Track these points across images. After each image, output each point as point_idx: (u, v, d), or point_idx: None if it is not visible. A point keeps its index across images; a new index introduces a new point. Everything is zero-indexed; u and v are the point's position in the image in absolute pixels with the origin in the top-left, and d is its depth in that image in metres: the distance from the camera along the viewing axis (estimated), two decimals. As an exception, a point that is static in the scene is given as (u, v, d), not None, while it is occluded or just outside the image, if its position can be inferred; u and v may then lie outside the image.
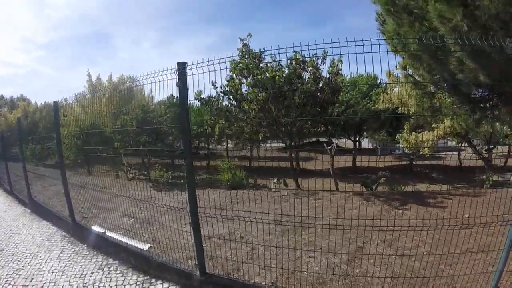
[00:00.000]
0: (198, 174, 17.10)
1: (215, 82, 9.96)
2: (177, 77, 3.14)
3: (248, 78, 9.93)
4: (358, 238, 4.45)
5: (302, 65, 9.98)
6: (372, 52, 2.54)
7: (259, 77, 9.50)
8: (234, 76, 10.15)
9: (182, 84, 3.19)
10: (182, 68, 3.14)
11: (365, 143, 31.25)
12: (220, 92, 10.71)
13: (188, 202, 3.50)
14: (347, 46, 2.58)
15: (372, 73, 22.40)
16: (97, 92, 16.42)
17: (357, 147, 25.67)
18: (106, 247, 4.99)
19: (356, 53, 2.57)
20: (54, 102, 5.64)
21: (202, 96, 10.81)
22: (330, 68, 10.04)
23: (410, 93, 11.21)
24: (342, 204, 7.28)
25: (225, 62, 3.02)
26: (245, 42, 10.09)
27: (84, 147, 13.32)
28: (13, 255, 4.90)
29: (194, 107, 18.05)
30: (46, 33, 79.15)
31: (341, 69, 10.02)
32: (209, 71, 3.05)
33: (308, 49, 2.84)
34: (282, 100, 9.73)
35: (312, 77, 9.84)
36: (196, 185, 3.49)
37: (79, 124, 12.32)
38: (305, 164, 24.96)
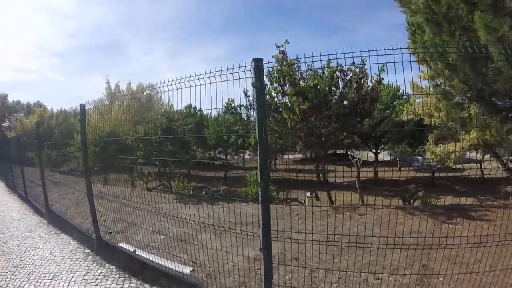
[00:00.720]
0: (215, 185, 16.33)
1: (247, 90, 9.27)
2: (253, 75, 2.55)
3: (286, 87, 9.20)
4: (420, 255, 4.06)
5: (340, 73, 9.29)
6: (394, 62, 2.46)
7: (301, 85, 8.77)
8: (269, 84, 9.44)
9: (260, 83, 2.53)
10: (258, 64, 2.52)
11: (381, 155, 30.22)
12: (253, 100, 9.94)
13: (261, 224, 2.70)
14: (377, 55, 2.44)
15: (395, 83, 21.64)
16: (117, 100, 15.95)
17: (377, 159, 24.67)
18: (138, 269, 4.17)
19: (378, 63, 2.45)
20: (80, 104, 4.94)
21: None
22: (375, 76, 9.31)
23: (436, 103, 11.05)
24: (388, 220, 6.44)
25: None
26: (281, 48, 9.39)
27: (103, 155, 12.69)
28: (29, 274, 4.10)
29: (212, 116, 17.34)
30: (59, 41, 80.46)
31: (383, 78, 9.29)
32: (246, 78, 2.65)
33: (344, 57, 2.61)
34: (325, 110, 8.94)
35: (354, 85, 9.06)
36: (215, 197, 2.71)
37: (98, 131, 11.74)
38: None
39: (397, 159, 27.88)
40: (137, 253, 4.50)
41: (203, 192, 11.64)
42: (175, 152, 11.18)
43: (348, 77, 9.35)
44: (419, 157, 29.03)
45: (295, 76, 9.00)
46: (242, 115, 10.21)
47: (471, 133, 10.12)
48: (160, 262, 4.15)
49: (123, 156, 13.31)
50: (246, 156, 23.32)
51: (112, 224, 5.96)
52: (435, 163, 13.64)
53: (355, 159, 15.91)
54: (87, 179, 4.82)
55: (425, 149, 12.74)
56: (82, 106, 4.85)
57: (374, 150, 23.51)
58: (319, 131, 9.42)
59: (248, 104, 9.93)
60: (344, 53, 2.56)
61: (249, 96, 10.42)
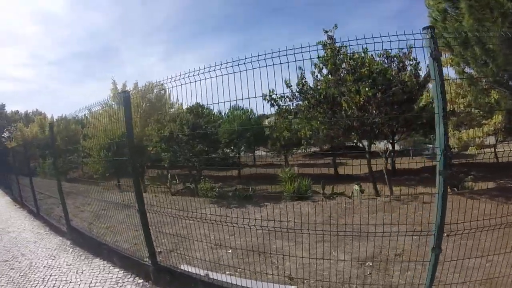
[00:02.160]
0: (233, 185, 15.07)
1: (289, 79, 8.10)
2: (433, 47, 2.13)
3: (341, 72, 8.08)
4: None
5: (387, 59, 8.32)
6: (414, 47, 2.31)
7: (363, 71, 7.80)
8: (317, 72, 8.36)
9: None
10: (433, 34, 2.16)
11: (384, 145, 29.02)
12: (298, 90, 8.81)
13: (438, 218, 2.20)
14: (398, 40, 2.19)
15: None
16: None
17: (393, 149, 23.56)
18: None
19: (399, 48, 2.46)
20: (124, 92, 3.62)
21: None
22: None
23: (457, 90, 10.63)
24: (460, 205, 5.35)
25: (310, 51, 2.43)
26: (330, 34, 8.30)
27: (115, 158, 11.29)
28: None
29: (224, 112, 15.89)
30: (53, 49, 77.91)
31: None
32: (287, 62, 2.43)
33: (390, 41, 2.22)
34: (390, 96, 7.79)
35: (413, 72, 8.52)
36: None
37: (108, 134, 10.36)
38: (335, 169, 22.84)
39: (409, 148, 26.86)
40: (210, 276, 3.23)
41: (230, 194, 10.38)
42: (206, 151, 9.79)
43: (395, 63, 8.45)
44: (430, 145, 28.06)
45: (353, 61, 7.93)
46: (282, 106, 8.99)
47: (493, 118, 9.88)
48: (248, 286, 2.91)
49: (137, 159, 11.98)
50: (259, 153, 22.01)
51: (156, 241, 4.67)
52: (457, 149, 12.94)
53: (383, 150, 15.06)
54: (137, 188, 3.48)
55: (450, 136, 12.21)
56: (126, 94, 3.50)
57: (391, 140, 22.38)
58: (373, 119, 8.30)
59: (290, 94, 8.78)
60: (389, 36, 2.22)
61: (290, 86, 9.36)
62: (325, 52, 8.60)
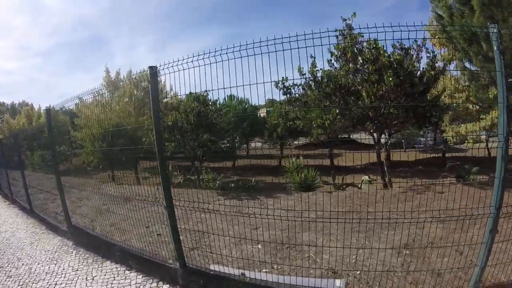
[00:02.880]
0: (229, 176, 14.58)
1: (302, 67, 7.74)
2: (499, 42, 2.24)
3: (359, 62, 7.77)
4: None
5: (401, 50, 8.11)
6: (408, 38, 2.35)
7: (383, 60, 7.73)
8: (333, 60, 8.13)
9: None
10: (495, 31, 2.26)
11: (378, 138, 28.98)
12: (312, 79, 8.39)
13: (496, 201, 2.25)
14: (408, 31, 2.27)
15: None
16: (120, 89, 13.60)
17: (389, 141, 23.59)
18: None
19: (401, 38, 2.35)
20: (149, 67, 3.00)
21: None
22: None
23: (455, 85, 11.98)
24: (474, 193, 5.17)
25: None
26: (348, 22, 7.98)
27: (109, 149, 10.59)
28: None
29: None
30: (41, 39, 74.45)
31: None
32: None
33: (408, 30, 2.28)
34: (409, 87, 7.92)
35: (431, 63, 8.40)
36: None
37: (102, 124, 9.70)
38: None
39: (403, 140, 26.91)
40: (247, 276, 2.78)
41: (232, 185, 9.89)
42: (212, 141, 9.20)
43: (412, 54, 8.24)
44: (421, 139, 28.19)
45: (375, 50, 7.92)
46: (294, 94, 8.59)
47: (491, 113, 10.09)
48: (293, 283, 2.50)
49: (132, 148, 11.28)
50: (255, 144, 21.50)
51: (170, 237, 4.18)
52: (452, 143, 13.25)
53: (383, 142, 14.96)
54: (165, 182, 2.96)
55: (444, 129, 12.70)
56: (154, 70, 2.93)
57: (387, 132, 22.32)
58: (389, 110, 8.01)
59: (304, 83, 8.31)
60: (407, 26, 2.25)
61: (304, 74, 8.85)
62: (344, 40, 8.27)
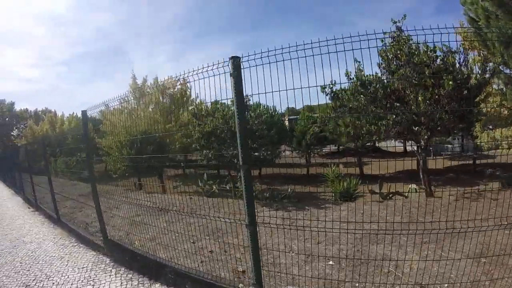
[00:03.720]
0: (263, 185, 13.72)
1: (349, 71, 7.25)
2: None
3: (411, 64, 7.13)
4: None
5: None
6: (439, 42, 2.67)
7: (440, 65, 7.28)
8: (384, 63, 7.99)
9: None
10: None
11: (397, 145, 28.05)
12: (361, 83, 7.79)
13: None
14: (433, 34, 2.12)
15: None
16: (146, 96, 13.07)
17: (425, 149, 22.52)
18: None
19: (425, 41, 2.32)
20: (233, 58, 2.32)
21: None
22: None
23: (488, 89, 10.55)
24: None
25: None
26: (398, 24, 7.54)
27: (138, 156, 9.95)
28: None
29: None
30: (62, 49, 76.17)
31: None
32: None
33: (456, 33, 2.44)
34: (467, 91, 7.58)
35: (482, 66, 7.83)
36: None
37: (130, 131, 9.08)
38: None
39: (430, 148, 25.74)
40: None
41: (266, 194, 9.08)
42: (254, 149, 8.45)
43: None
44: (449, 146, 26.97)
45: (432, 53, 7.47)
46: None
47: None
48: None
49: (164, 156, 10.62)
50: (285, 153, 20.61)
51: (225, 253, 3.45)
52: (486, 149, 12.44)
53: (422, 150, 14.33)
54: (249, 195, 2.23)
55: (477, 135, 11.68)
56: (236, 62, 2.29)
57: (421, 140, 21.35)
58: (442, 115, 7.56)
59: (350, 87, 7.61)
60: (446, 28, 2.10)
61: (352, 78, 8.11)
62: (394, 43, 7.84)
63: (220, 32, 78.43)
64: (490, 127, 12.83)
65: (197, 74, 2.54)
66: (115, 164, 10.50)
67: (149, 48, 77.21)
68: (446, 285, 2.78)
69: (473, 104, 8.40)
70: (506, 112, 11.20)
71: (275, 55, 2.21)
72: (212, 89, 2.51)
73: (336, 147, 21.45)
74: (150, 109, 12.26)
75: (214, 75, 2.44)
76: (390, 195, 9.11)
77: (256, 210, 2.47)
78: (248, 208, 2.35)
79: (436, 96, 7.27)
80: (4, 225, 6.54)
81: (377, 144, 26.17)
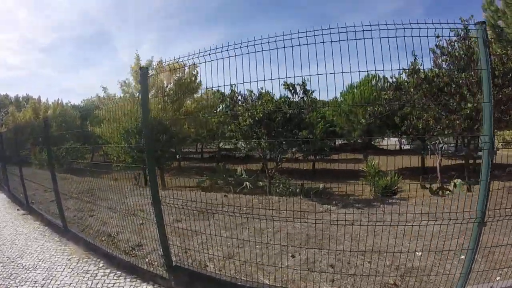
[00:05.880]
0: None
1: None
2: None
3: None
4: None
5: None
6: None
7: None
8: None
9: None
10: None
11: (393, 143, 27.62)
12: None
13: None
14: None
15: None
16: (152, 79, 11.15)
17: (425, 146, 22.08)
18: None
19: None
20: None
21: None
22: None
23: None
24: None
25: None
26: (466, 23, 6.69)
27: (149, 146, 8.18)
28: None
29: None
30: (45, 34, 69.68)
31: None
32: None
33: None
34: None
35: None
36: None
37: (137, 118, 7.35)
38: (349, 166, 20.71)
39: (429, 146, 25.57)
40: None
41: (297, 190, 7.77)
42: (304, 140, 6.96)
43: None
44: (445, 145, 26.89)
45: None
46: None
47: None
48: None
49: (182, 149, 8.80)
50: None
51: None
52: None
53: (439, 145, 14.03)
54: None
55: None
56: None
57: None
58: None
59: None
60: None
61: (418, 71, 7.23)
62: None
63: (207, 23, 74.57)
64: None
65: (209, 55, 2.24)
66: (119, 155, 8.61)
67: (134, 36, 72.00)
68: None
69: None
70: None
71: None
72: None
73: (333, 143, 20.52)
74: (157, 94, 10.40)
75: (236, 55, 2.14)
76: (438, 190, 8.48)
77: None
78: None
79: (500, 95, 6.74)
80: (-12, 236, 4.68)
81: (377, 141, 25.45)
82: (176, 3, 75.40)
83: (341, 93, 15.42)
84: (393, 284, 2.51)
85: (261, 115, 6.27)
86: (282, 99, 7.00)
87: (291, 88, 6.82)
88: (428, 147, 25.14)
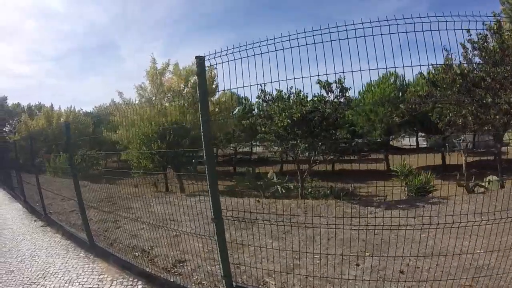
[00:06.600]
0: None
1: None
2: None
3: None
4: None
5: None
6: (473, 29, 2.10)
7: None
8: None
9: None
10: None
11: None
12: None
13: None
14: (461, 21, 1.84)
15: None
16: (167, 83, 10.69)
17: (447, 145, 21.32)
18: None
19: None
20: None
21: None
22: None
23: None
24: None
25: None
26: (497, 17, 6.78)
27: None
28: None
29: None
30: (52, 44, 70.01)
31: None
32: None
33: None
34: None
35: None
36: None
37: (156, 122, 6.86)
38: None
39: (446, 144, 24.97)
40: None
41: (328, 192, 7.23)
42: (344, 141, 6.46)
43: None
44: (461, 142, 26.27)
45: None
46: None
47: None
48: None
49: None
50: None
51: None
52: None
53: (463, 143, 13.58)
54: None
55: None
56: None
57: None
58: None
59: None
60: None
61: (451, 64, 6.73)
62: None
63: (211, 29, 74.35)
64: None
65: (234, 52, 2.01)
66: (142, 161, 8.10)
67: (140, 44, 72.01)
68: None
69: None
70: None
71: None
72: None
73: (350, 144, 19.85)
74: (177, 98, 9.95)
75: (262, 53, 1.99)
76: (474, 187, 7.99)
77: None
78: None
79: None
80: (5, 251, 4.17)
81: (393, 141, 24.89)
82: (178, 13, 75.24)
83: (359, 92, 14.89)
84: (469, 286, 2.39)
85: (299, 114, 5.72)
86: (317, 98, 6.45)
87: (326, 87, 6.28)
88: (456, 143, 24.50)
